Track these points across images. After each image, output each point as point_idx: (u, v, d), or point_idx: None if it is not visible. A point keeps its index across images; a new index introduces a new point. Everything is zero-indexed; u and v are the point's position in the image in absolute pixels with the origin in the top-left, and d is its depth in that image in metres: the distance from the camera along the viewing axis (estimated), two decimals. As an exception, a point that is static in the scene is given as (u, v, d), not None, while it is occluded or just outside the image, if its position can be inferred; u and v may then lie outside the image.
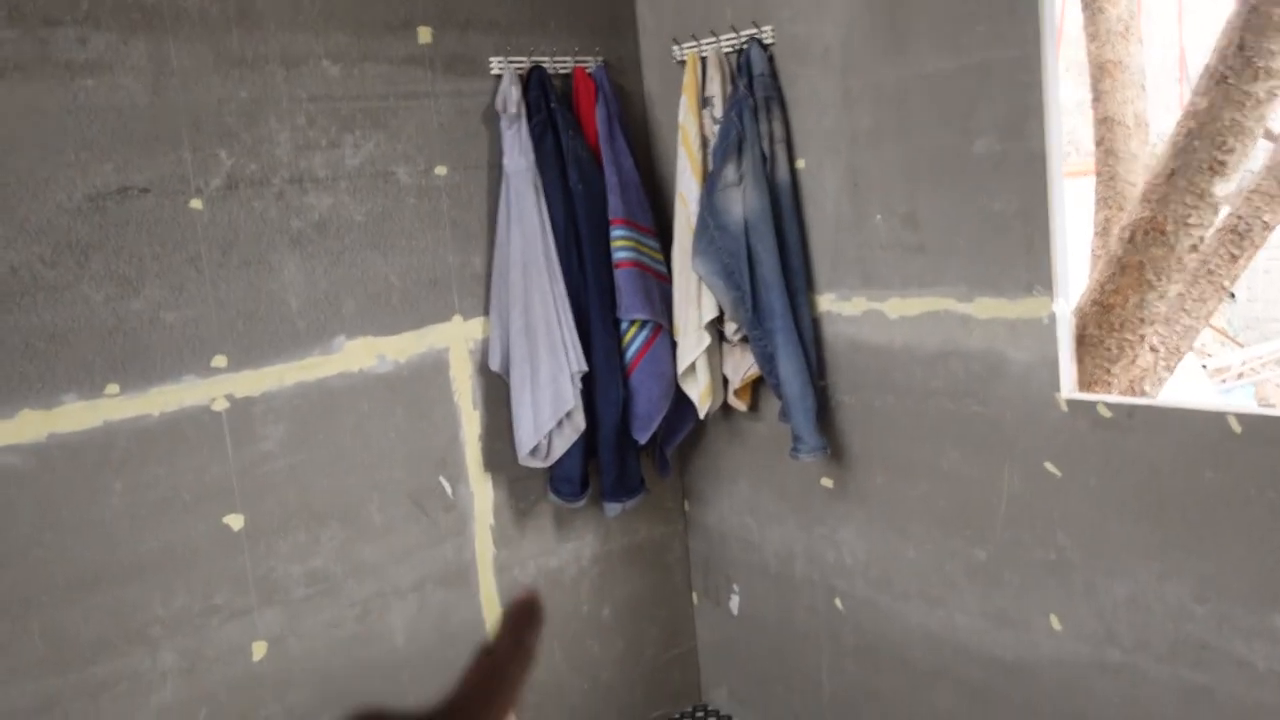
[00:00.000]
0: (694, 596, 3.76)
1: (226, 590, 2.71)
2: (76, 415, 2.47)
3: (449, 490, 3.12)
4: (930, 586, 2.99)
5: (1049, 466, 2.65)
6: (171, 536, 2.62)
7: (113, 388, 2.52)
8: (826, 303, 3.08)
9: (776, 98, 3.07)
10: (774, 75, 3.08)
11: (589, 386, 3.20)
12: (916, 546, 3.00)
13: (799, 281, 3.06)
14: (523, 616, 0.54)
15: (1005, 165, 2.63)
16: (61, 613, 2.47)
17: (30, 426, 2.41)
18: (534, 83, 3.16)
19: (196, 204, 2.63)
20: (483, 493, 3.19)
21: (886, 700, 3.17)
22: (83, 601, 2.50)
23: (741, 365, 3.23)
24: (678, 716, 3.73)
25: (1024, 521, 2.74)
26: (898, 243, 2.88)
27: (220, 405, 2.68)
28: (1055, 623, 2.72)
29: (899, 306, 2.91)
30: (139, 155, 2.55)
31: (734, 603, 3.61)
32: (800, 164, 3.08)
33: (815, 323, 3.11)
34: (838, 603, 3.25)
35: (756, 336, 3.05)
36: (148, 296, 2.57)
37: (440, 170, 3.06)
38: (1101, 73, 4.07)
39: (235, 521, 2.72)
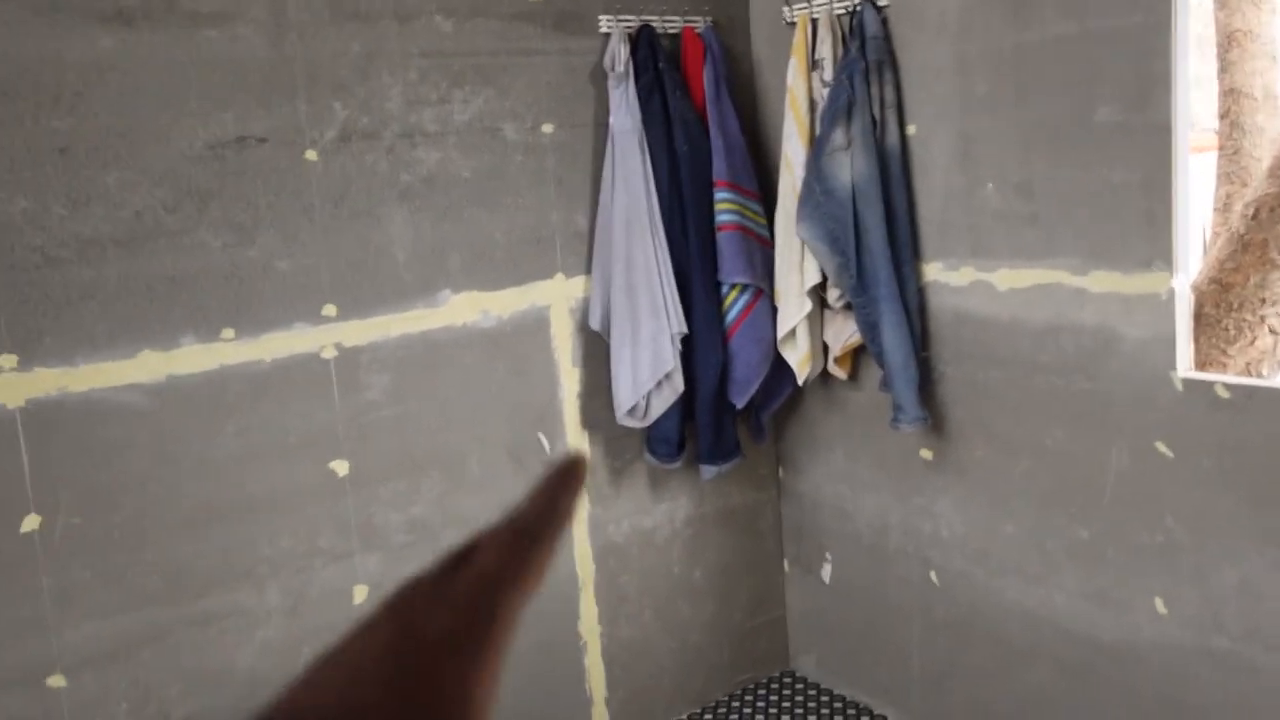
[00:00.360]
0: (785, 563, 3.75)
1: (330, 534, 2.78)
2: (193, 358, 2.55)
3: (547, 446, 3.15)
4: (1029, 563, 2.94)
5: (1160, 447, 2.58)
6: (279, 479, 2.70)
7: (228, 332, 2.59)
8: (933, 272, 3.03)
9: (889, 61, 3.01)
10: (887, 38, 3.01)
11: (688, 349, 3.19)
12: (1016, 522, 2.95)
13: (905, 249, 3.01)
14: (563, 477, 0.48)
15: (1128, 135, 2.54)
16: (174, 547, 2.56)
17: (150, 366, 2.50)
18: (642, 42, 3.14)
19: (311, 155, 2.69)
20: (580, 449, 3.22)
21: (978, 676, 3.14)
22: (194, 537, 2.59)
23: (843, 333, 3.20)
24: (765, 681, 3.74)
25: (1131, 501, 2.67)
26: (1010, 212, 2.81)
27: (329, 353, 2.75)
28: (1160, 606, 2.65)
29: (1008, 278, 2.84)
30: (257, 106, 2.60)
31: (825, 571, 3.59)
32: (911, 130, 3.02)
33: (920, 292, 3.05)
34: (932, 575, 3.21)
35: (860, 304, 3.01)
36: (262, 245, 2.63)
37: (547, 128, 3.07)
38: (1229, 42, 3.90)
39: (340, 467, 2.79)
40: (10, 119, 2.31)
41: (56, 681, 2.43)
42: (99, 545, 2.46)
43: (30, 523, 2.38)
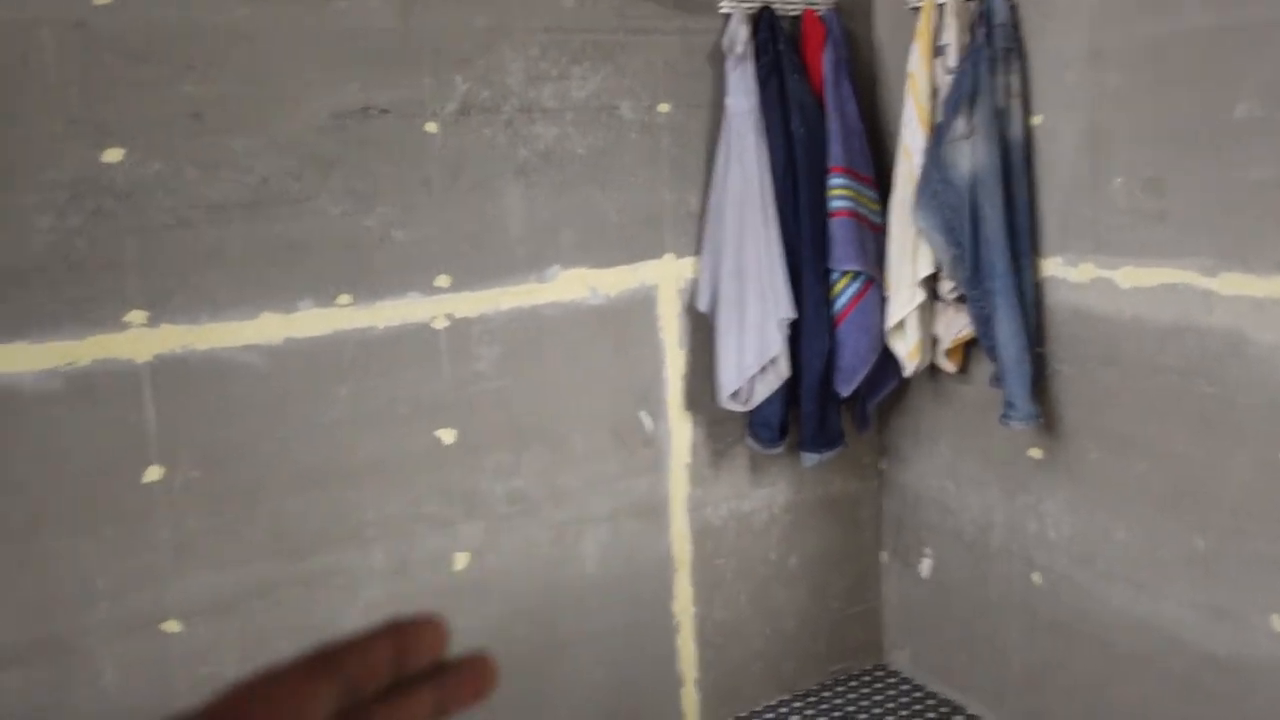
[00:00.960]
0: (883, 555, 3.71)
1: (435, 501, 2.84)
2: (310, 321, 2.62)
3: (648, 426, 3.16)
4: (1139, 570, 2.85)
5: (1287, 456, 2.48)
6: (387, 445, 2.76)
7: (344, 298, 2.65)
8: (1051, 267, 2.94)
9: (1016, 50, 2.93)
10: (1015, 26, 2.93)
11: (795, 335, 3.16)
12: (1128, 527, 2.86)
13: (1023, 243, 2.93)
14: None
15: (1269, 132, 2.43)
16: (286, 506, 2.64)
17: (270, 328, 2.57)
18: (763, 24, 3.11)
19: (431, 127, 2.73)
20: (681, 431, 3.22)
21: (1080, 681, 3.06)
22: (305, 497, 2.66)
23: (954, 325, 3.14)
24: (858, 673, 3.70)
25: (1253, 512, 2.57)
26: (1137, 209, 2.72)
27: (440, 323, 2.79)
28: (1278, 624, 2.55)
29: (1132, 276, 2.75)
30: (382, 77, 2.65)
31: (924, 566, 3.54)
32: (1036, 120, 2.94)
33: (1037, 287, 2.97)
34: (1035, 576, 3.14)
35: (974, 296, 2.94)
36: (380, 214, 2.68)
37: (663, 107, 3.07)
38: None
39: (447, 436, 2.83)
40: (148, 83, 2.39)
41: (171, 627, 2.53)
42: (215, 500, 2.55)
43: (152, 474, 2.47)
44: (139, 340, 2.42)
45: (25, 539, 2.35)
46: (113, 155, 2.37)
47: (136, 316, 2.41)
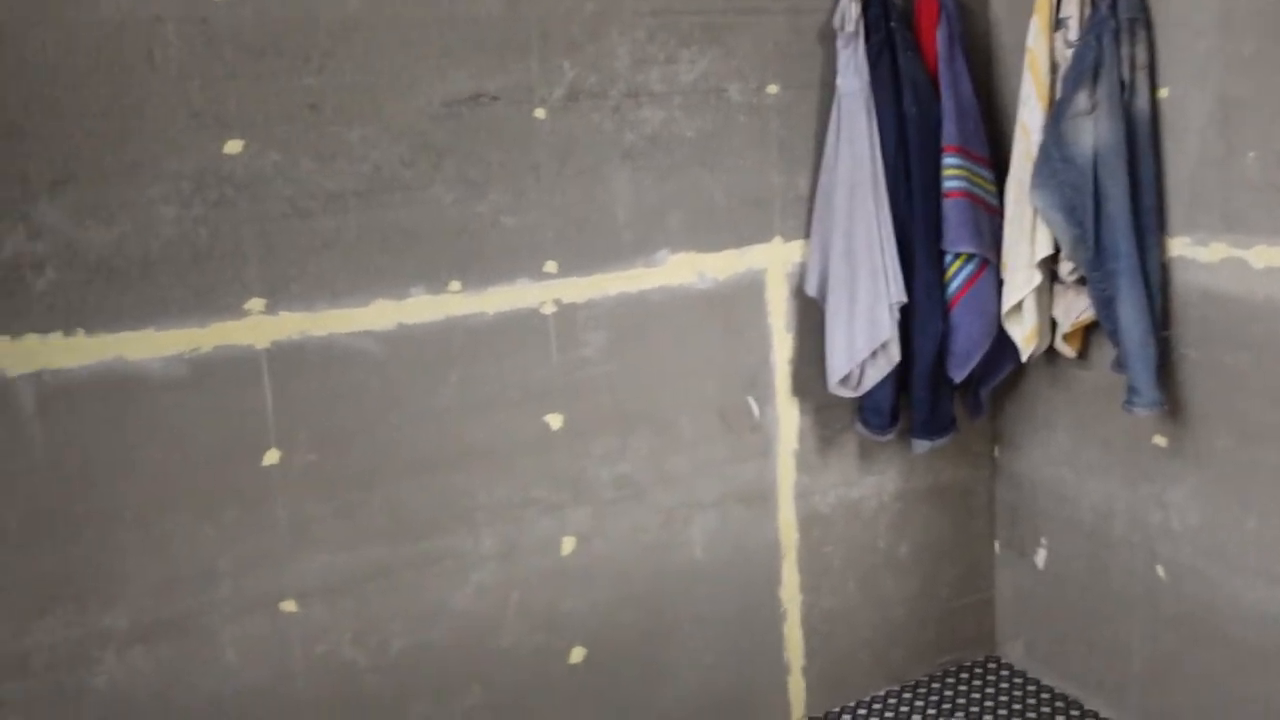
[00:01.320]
0: (996, 545, 3.62)
1: (543, 486, 2.85)
2: (422, 308, 2.65)
3: (756, 411, 3.13)
4: (1273, 563, 2.73)
5: None
6: (496, 430, 2.78)
7: (455, 284, 2.68)
8: (1179, 247, 2.82)
9: (1142, 19, 2.81)
10: (1142, -5, 2.82)
11: (906, 319, 3.10)
12: (1261, 518, 2.74)
13: (1149, 222, 2.82)
14: None
15: None
16: (400, 490, 2.68)
17: (383, 315, 2.61)
18: (874, 1, 3.04)
19: (540, 113, 2.73)
20: (789, 417, 3.18)
21: (1207, 678, 2.94)
22: (417, 482, 2.70)
23: (1074, 308, 3.03)
24: (969, 664, 3.63)
25: (1398, 505, 2.44)
26: (1273, 184, 2.59)
27: (548, 309, 2.80)
28: None
29: (1266, 255, 2.62)
30: (492, 64, 2.66)
31: (1040, 556, 3.44)
32: (1163, 93, 2.82)
33: (1163, 268, 2.86)
34: (1159, 569, 3.03)
35: (1096, 278, 2.84)
36: (491, 200, 2.70)
37: (772, 89, 3.03)
38: None
39: (555, 421, 2.85)
40: (266, 76, 2.44)
41: (289, 607, 2.59)
42: (331, 483, 2.60)
43: (271, 458, 2.53)
44: (258, 327, 2.48)
45: (150, 522, 2.43)
46: (233, 147, 2.42)
47: (256, 304, 2.47)
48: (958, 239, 3.06)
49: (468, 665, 2.83)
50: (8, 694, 2.33)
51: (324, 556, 2.61)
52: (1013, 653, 3.63)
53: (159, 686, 2.48)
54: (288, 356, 2.52)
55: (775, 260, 3.09)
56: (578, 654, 2.97)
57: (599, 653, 3.00)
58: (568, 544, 2.91)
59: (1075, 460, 3.26)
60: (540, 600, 2.89)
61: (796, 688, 3.34)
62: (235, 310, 2.45)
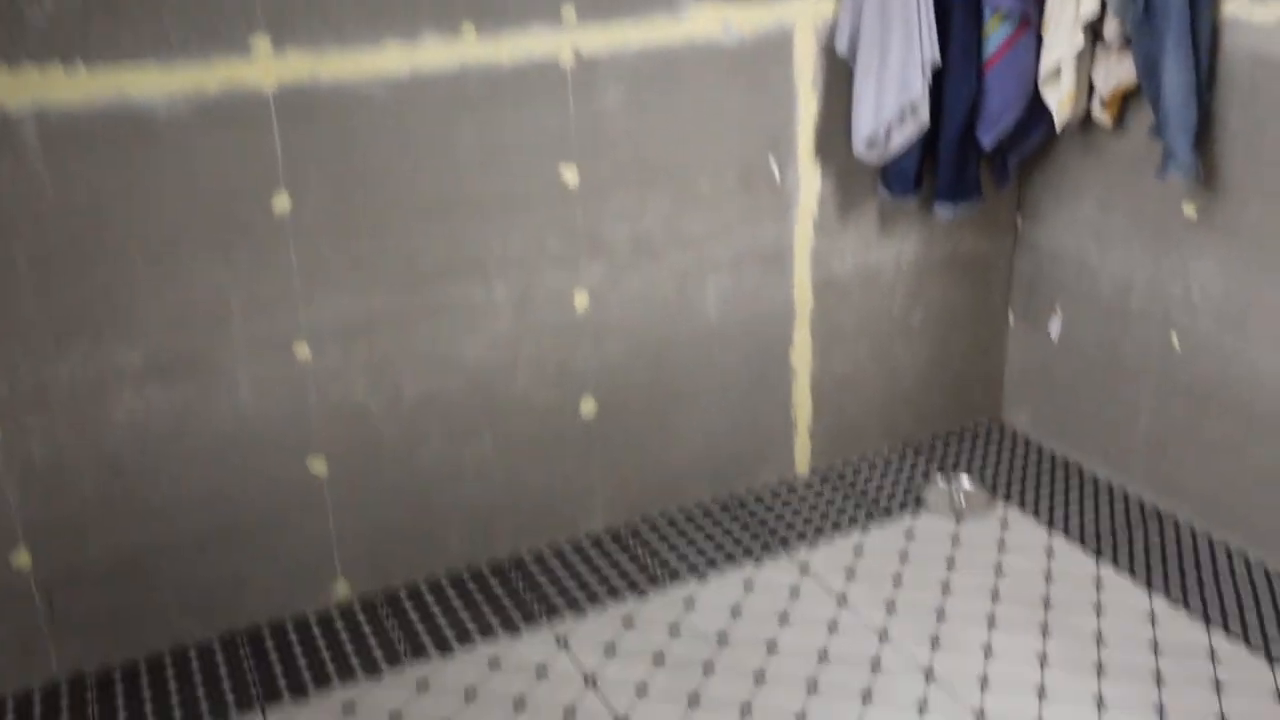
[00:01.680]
0: (1010, 317, 3.61)
1: (557, 239, 2.82)
2: (436, 53, 2.55)
3: (777, 172, 3.05)
4: (1290, 337, 2.71)
5: None
6: (513, 181, 2.73)
7: (468, 26, 2.56)
8: (1234, 6, 2.66)
9: None
10: None
11: (938, 82, 2.97)
12: (1282, 292, 2.70)
13: (1204, -23, 2.65)
14: None
15: None
16: (413, 236, 2.66)
17: (395, 58, 2.51)
18: None
19: None
20: (810, 178, 3.11)
21: (1214, 446, 2.98)
22: (431, 230, 2.68)
23: (1115, 73, 2.90)
24: (973, 428, 3.69)
25: None
26: (1342, -63, 2.42)
27: (567, 59, 2.69)
28: None
29: (1325, 16, 2.47)
30: None
31: (1054, 327, 3.44)
32: None
33: (1214, 30, 2.71)
34: (1174, 339, 3.02)
35: (1141, 37, 2.70)
36: (505, -65, 2.55)
37: None
38: None
39: (571, 175, 2.79)
40: None
41: (302, 350, 2.62)
42: (344, 228, 2.58)
43: (281, 202, 2.50)
44: (265, 67, 2.39)
45: (164, 258, 2.42)
46: None
47: (261, 41, 2.38)
48: (998, -8, 2.90)
49: (479, 413, 2.88)
50: (31, 425, 2.40)
51: (337, 300, 2.62)
52: (1018, 420, 3.68)
53: (176, 422, 2.54)
54: (297, 100, 2.45)
55: (805, 14, 2.94)
56: (589, 408, 3.02)
57: (610, 408, 3.05)
58: (580, 299, 2.91)
59: (1100, 231, 3.20)
60: (553, 354, 2.92)
61: (803, 446, 3.41)
62: (241, 46, 2.36)
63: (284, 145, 2.47)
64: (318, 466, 2.73)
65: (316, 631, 2.79)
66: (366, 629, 2.79)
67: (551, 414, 2.98)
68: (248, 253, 2.50)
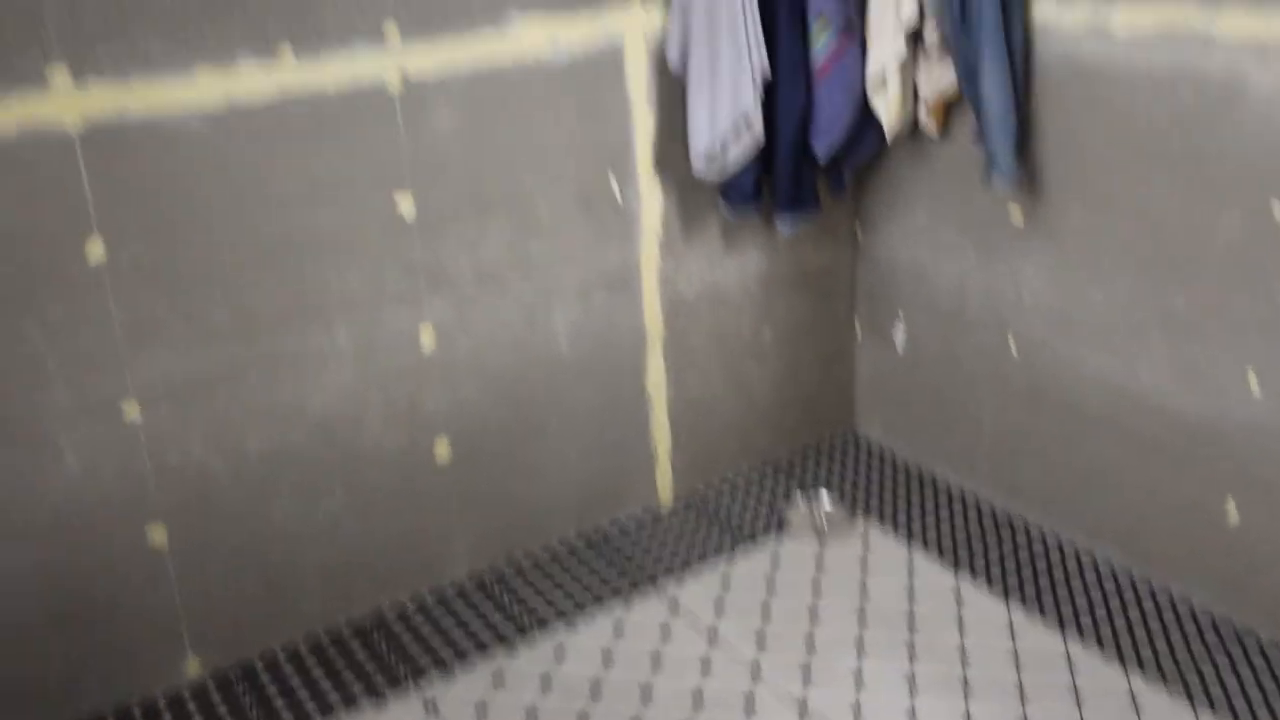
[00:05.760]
0: (857, 328, 3.66)
1: (397, 275, 2.71)
2: (253, 80, 2.41)
3: (618, 191, 3.02)
4: (1115, 333, 2.82)
5: (1278, 211, 2.40)
6: (345, 215, 2.61)
7: (285, 49, 2.43)
8: (1044, 13, 2.77)
9: None
10: None
11: (769, 96, 2.99)
12: (1106, 290, 2.81)
13: (1013, -14, 2.75)
14: None
15: None
16: (244, 283, 2.51)
17: (209, 88, 2.36)
18: None
19: None
20: (651, 198, 3.08)
21: (1049, 445, 3.08)
22: (263, 274, 2.53)
23: (938, 80, 2.98)
24: (830, 442, 3.72)
25: (1237, 271, 2.52)
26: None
27: (394, 82, 2.59)
28: (1254, 385, 2.54)
29: (1129, 17, 2.59)
30: None
31: (898, 337, 3.50)
32: None
33: (1027, 37, 2.81)
34: (1010, 344, 3.11)
35: (960, 44, 2.78)
36: (318, -46, 2.44)
37: None
38: None
39: (407, 206, 2.69)
40: None
41: (132, 410, 2.43)
42: (167, 275, 2.41)
43: (95, 249, 2.32)
44: (66, 102, 2.22)
45: (-36, 319, 2.22)
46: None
47: (59, 73, 2.20)
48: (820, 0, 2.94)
49: (328, 466, 2.73)
50: None
51: (167, 353, 2.45)
52: (871, 430, 3.73)
53: (3, 492, 2.32)
54: (105, 139, 2.28)
55: (634, 27, 2.92)
56: (443, 451, 2.90)
57: (465, 450, 2.94)
58: (427, 337, 2.80)
59: (933, 239, 3.28)
60: (402, 397, 2.80)
61: (664, 474, 3.37)
62: (36, 79, 2.18)
63: (94, 188, 2.29)
64: (157, 535, 2.54)
65: (167, 716, 2.57)
66: (222, 709, 2.60)
67: (405, 460, 2.85)
68: (62, 306, 2.31)
